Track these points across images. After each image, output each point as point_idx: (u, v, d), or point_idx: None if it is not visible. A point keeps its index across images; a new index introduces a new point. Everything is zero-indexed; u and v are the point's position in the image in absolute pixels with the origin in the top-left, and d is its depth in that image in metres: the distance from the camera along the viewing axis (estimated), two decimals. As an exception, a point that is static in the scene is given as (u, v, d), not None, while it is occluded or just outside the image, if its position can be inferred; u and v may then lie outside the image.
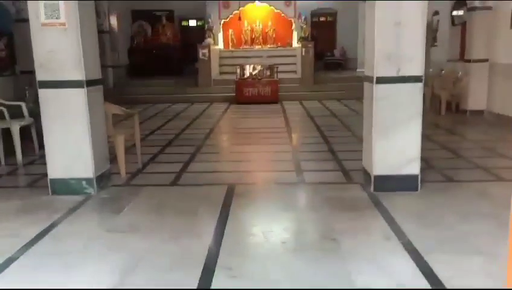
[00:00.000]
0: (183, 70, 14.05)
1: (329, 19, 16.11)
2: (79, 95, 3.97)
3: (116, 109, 4.69)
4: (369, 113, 4.05)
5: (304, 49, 11.93)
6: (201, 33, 14.30)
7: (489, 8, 7.61)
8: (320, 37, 15.38)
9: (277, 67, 11.71)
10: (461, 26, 9.24)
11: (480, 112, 7.90)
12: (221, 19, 14.16)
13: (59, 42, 3.90)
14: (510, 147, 5.74)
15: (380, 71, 3.85)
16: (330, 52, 15.61)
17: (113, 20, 13.06)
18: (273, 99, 11.16)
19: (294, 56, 13.66)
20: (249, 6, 14.11)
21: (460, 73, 8.33)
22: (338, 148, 5.86)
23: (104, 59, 11.70)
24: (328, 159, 5.33)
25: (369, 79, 4.01)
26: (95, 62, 4.20)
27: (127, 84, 12.71)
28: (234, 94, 11.26)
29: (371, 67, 3.97)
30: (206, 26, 13.61)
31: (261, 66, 11.56)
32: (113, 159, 4.70)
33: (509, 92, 7.12)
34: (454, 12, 9.18)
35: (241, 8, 12.66)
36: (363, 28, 13.18)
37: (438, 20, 10.07)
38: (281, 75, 11.79)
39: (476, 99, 7.89)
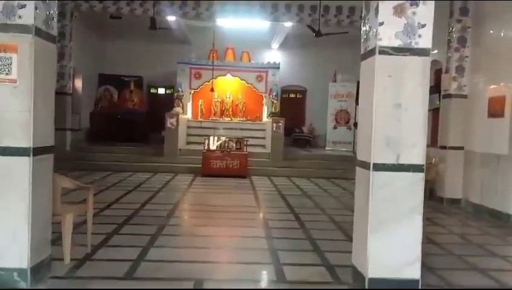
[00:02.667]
0: (149, 138, 13.43)
1: (299, 96, 16.24)
2: (22, 165, 3.28)
3: (68, 182, 3.99)
4: (363, 204, 3.56)
5: (274, 125, 11.68)
6: (170, 101, 13.96)
7: (465, 96, 7.64)
8: (290, 113, 15.32)
9: (247, 141, 11.35)
10: (433, 112, 9.28)
11: (457, 201, 7.63)
12: (192, 89, 13.93)
13: (7, 101, 3.27)
14: (496, 243, 5.38)
15: (378, 157, 3.42)
16: (299, 129, 15.50)
17: (78, 83, 12.53)
18: (241, 173, 10.66)
19: (264, 130, 13.44)
20: (221, 78, 14.02)
21: (435, 159, 8.17)
22: (316, 235, 5.28)
23: (64, 122, 11.01)
24: (308, 250, 4.72)
25: (364, 165, 3.56)
26: (47, 127, 3.55)
27: (86, 149, 11.89)
28: (200, 166, 10.68)
29: (366, 151, 3.54)
30: (176, 95, 13.29)
31: (229, 139, 11.15)
32: (56, 239, 3.91)
33: (486, 183, 6.92)
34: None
35: (212, 80, 12.48)
36: (332, 106, 13.14)
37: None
38: (250, 149, 11.41)
39: (453, 187, 7.65)
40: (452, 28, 7.71)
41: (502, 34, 6.82)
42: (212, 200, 7.93)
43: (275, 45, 15.34)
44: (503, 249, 5.15)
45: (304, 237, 5.26)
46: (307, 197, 8.30)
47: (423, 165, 3.45)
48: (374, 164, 3.43)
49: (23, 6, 3.26)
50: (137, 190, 8.30)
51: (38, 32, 3.31)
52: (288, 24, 12.12)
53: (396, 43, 3.40)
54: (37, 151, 3.36)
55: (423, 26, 3.39)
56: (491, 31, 7.10)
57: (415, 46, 3.40)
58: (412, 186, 3.44)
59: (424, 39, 3.39)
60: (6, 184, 3.28)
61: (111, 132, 13.14)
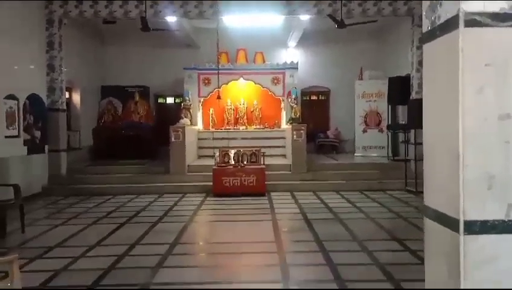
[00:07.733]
0: (158, 153, 12.11)
1: (321, 97, 14.69)
2: None
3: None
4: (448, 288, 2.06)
5: (295, 133, 10.18)
6: (180, 111, 12.65)
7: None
8: (312, 117, 13.84)
9: (263, 153, 9.90)
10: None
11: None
12: (201, 97, 12.59)
13: None
14: None
15: (473, 210, 1.92)
16: (323, 133, 13.93)
17: (76, 97, 11.37)
18: (258, 190, 9.23)
19: (283, 138, 11.98)
20: (233, 83, 12.62)
21: None
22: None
23: (57, 142, 9.80)
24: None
25: (446, 221, 2.06)
26: None
27: (84, 171, 10.64)
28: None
29: (448, 198, 2.04)
30: (182, 104, 11.95)
31: (243, 151, 9.70)
32: None
33: None
34: None
35: (222, 85, 11.09)
36: (360, 107, 11.55)
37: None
38: (268, 161, 9.96)
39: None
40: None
41: None
42: (219, 234, 6.51)
43: (292, 43, 13.85)
44: None
45: (340, 298, 3.78)
46: (338, 221, 6.78)
47: (556, 220, 1.93)
48: (467, 223, 1.92)
49: None
50: (132, 221, 6.95)
51: None
52: (305, 17, 10.65)
53: (497, 6, 1.89)
54: None
55: (545, -29, 1.88)
56: None
57: (532, 9, 1.89)
58: (537, 260, 1.93)
59: (549, -6, 1.88)
60: None
61: (115, 149, 11.86)
